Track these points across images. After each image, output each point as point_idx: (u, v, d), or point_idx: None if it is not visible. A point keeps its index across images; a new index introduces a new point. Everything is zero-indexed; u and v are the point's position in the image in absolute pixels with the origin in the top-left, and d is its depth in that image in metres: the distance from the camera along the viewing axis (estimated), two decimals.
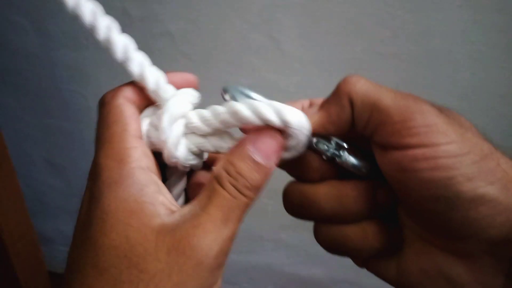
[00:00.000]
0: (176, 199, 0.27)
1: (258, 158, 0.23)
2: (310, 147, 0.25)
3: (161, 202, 0.22)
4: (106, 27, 0.26)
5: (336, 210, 0.25)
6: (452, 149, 0.21)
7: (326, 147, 0.25)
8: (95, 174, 0.23)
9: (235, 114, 0.24)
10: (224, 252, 0.22)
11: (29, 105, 0.86)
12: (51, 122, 0.87)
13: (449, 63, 0.63)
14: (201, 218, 0.22)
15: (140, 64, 0.26)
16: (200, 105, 0.28)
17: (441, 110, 0.23)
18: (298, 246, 0.88)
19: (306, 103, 0.28)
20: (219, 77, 0.70)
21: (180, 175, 0.27)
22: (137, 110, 0.25)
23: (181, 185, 0.27)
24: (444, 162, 0.21)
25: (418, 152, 0.22)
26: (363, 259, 0.27)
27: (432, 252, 0.24)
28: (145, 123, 0.25)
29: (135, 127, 0.24)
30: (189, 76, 0.28)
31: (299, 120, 0.24)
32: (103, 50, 0.91)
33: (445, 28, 0.60)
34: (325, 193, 0.25)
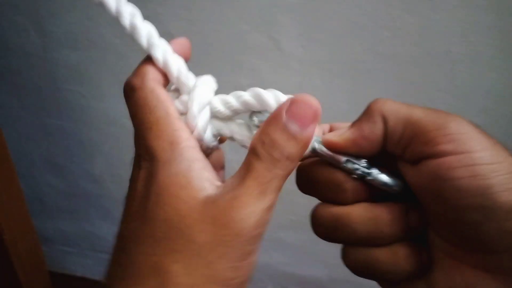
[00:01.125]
0: None
1: (294, 128, 0.23)
2: (340, 167, 0.25)
3: (207, 177, 0.24)
4: (130, 14, 0.27)
5: (371, 233, 0.25)
6: (487, 156, 0.22)
7: (356, 166, 0.25)
8: (149, 155, 0.24)
9: (257, 96, 0.26)
10: (262, 224, 0.23)
11: (30, 105, 0.86)
12: (52, 122, 0.87)
13: (448, 63, 0.63)
14: (239, 190, 0.23)
15: (163, 51, 0.27)
16: None
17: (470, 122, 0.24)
18: (298, 246, 0.88)
19: (326, 127, 0.29)
20: (219, 77, 0.70)
21: None
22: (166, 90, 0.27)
23: None
24: (480, 169, 0.21)
25: (454, 159, 0.22)
26: (392, 283, 0.26)
27: (462, 270, 0.24)
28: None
29: (174, 109, 0.26)
30: (182, 40, 0.29)
31: None
32: (104, 50, 0.91)
33: (444, 28, 0.60)
34: (359, 215, 0.25)
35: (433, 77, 0.64)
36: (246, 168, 0.23)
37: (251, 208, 0.22)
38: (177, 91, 0.28)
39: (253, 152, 0.24)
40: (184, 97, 0.27)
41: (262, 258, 0.93)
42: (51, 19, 0.75)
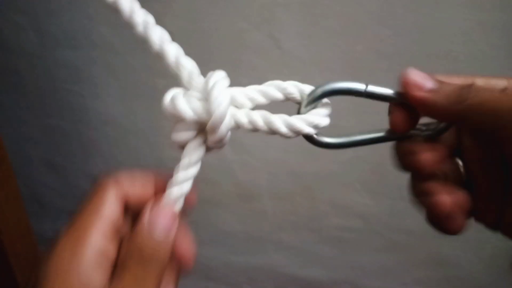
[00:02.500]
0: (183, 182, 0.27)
1: (157, 235, 0.25)
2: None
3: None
4: (144, 19, 0.27)
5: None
6: None
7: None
8: (53, 247, 0.26)
9: (278, 85, 0.26)
10: None
11: (28, 105, 0.86)
12: (50, 122, 0.87)
13: (450, 62, 0.62)
14: None
15: (176, 54, 0.27)
16: None
17: None
18: (298, 247, 0.88)
19: None
20: None
21: (196, 160, 0.27)
22: (121, 203, 0.27)
23: (193, 170, 0.27)
24: None
25: None
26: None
27: None
28: (180, 98, 0.26)
29: (107, 223, 0.26)
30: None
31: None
32: (103, 49, 0.91)
33: (446, 27, 0.60)
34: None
35: None
36: (120, 276, 0.25)
37: None
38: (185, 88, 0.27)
39: (125, 261, 0.25)
40: (199, 86, 0.26)
41: (262, 259, 0.92)
42: (50, 18, 0.75)
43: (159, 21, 0.78)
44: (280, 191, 0.81)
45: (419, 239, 0.80)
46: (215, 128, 0.25)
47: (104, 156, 0.88)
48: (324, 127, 0.27)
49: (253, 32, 0.66)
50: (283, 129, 0.26)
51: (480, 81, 0.25)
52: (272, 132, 0.26)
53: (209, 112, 0.25)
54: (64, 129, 0.87)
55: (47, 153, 0.92)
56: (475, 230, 0.29)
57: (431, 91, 0.25)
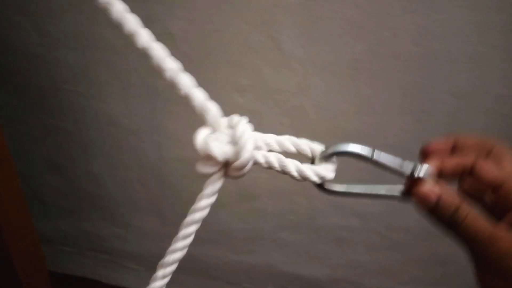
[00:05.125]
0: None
1: None
2: None
3: None
4: (172, 66, 0.30)
5: None
6: None
7: None
8: None
9: (293, 140, 0.31)
10: None
11: (30, 105, 0.86)
12: (52, 122, 0.87)
13: (449, 63, 0.63)
14: None
15: (201, 98, 0.30)
16: None
17: None
18: (298, 246, 0.88)
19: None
20: (219, 77, 0.70)
21: (217, 190, 0.32)
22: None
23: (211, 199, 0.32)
24: None
25: None
26: None
27: None
28: (213, 140, 0.30)
29: None
30: None
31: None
32: (103, 50, 0.90)
33: (445, 28, 0.60)
34: None
35: (433, 77, 0.64)
36: None
37: None
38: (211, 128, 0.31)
39: None
40: (227, 131, 0.30)
41: (262, 258, 0.93)
42: (51, 19, 0.75)
43: (159, 21, 0.79)
44: (279, 191, 0.82)
45: (417, 238, 0.80)
46: (240, 168, 0.30)
47: (105, 156, 0.89)
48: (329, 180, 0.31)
49: (253, 33, 0.66)
50: (295, 173, 0.31)
51: None
52: (284, 173, 0.31)
53: (237, 155, 0.30)
54: (66, 129, 0.87)
55: (50, 153, 0.92)
56: None
57: (431, 208, 0.29)
